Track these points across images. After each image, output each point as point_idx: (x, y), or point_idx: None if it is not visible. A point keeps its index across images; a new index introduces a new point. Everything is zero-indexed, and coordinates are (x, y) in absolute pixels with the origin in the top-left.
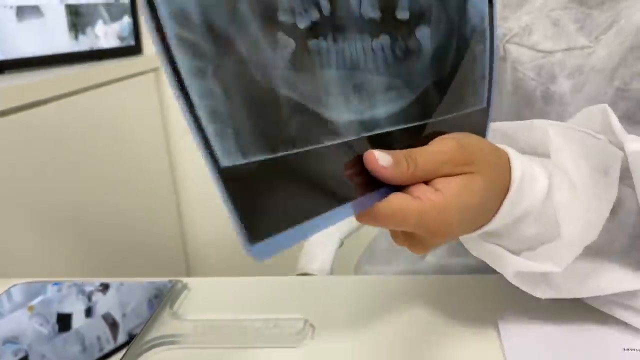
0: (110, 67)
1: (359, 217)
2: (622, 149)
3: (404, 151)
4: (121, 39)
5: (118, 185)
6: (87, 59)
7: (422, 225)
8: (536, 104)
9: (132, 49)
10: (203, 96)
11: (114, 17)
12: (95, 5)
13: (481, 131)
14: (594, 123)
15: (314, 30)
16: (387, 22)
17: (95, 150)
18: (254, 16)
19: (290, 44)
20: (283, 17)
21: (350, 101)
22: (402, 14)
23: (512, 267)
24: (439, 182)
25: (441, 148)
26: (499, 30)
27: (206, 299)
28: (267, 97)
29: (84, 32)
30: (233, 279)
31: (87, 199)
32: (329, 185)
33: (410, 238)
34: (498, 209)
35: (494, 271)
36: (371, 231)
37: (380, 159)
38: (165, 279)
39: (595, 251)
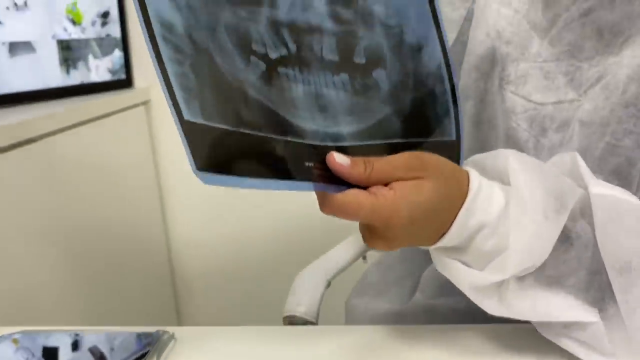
0: (100, 101)
1: (321, 205)
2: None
3: (364, 157)
4: (112, 72)
5: (108, 222)
6: (78, 93)
7: (375, 215)
8: (528, 154)
9: (123, 83)
10: (178, 77)
11: (105, 52)
12: (87, 40)
13: (453, 162)
14: (563, 168)
15: (283, 61)
16: (345, 64)
17: (85, 189)
18: (230, 41)
19: (261, 66)
20: (256, 47)
21: (315, 117)
22: (359, 59)
23: (465, 278)
24: (394, 183)
25: (397, 156)
26: (502, 73)
27: (193, 349)
28: (236, 93)
29: (75, 67)
30: (220, 328)
31: (78, 239)
32: (290, 164)
33: (371, 231)
34: (455, 218)
35: (480, 318)
36: (360, 268)
37: (338, 158)
38: (153, 329)
39: (553, 281)
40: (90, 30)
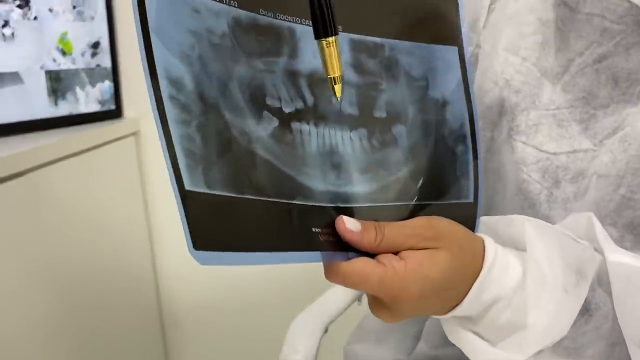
0: (89, 133)
1: (326, 273)
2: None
3: (375, 222)
4: (101, 103)
5: (95, 257)
6: (66, 123)
7: (382, 289)
8: (540, 208)
9: (112, 113)
10: (183, 139)
11: (95, 82)
12: (76, 71)
13: (469, 225)
14: (579, 230)
15: (298, 115)
16: (365, 118)
17: (72, 223)
18: (242, 96)
19: (274, 121)
20: (270, 101)
21: (327, 175)
22: (379, 113)
23: (480, 354)
24: (405, 253)
25: (410, 223)
26: (511, 123)
27: None
28: (243, 154)
29: (64, 98)
30: None
31: (64, 275)
32: (296, 232)
33: (377, 301)
34: (468, 290)
35: None
36: (358, 312)
37: (348, 223)
38: None
39: (571, 352)
40: (80, 61)
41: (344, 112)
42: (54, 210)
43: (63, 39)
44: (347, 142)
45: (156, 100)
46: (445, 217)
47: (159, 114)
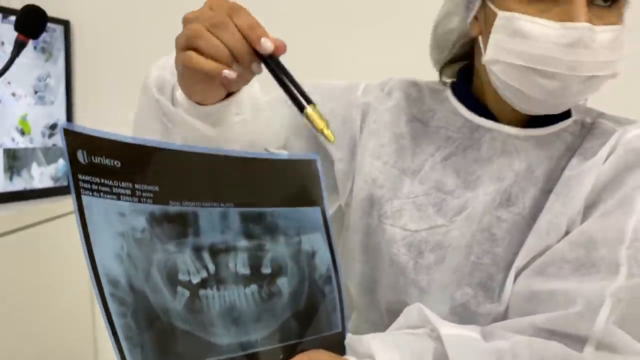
0: (42, 207)
1: None
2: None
3: None
4: (55, 179)
5: (37, 332)
6: (21, 198)
7: None
8: (409, 274)
9: (65, 189)
10: (123, 328)
11: (50, 160)
12: (33, 150)
13: (339, 349)
14: (412, 319)
15: (203, 283)
16: (255, 275)
17: (17, 296)
18: (161, 277)
19: (186, 293)
20: (182, 276)
21: (229, 329)
22: (266, 270)
23: None
24: None
25: (295, 357)
26: (379, 211)
27: None
28: (166, 329)
29: (19, 174)
30: None
31: (10, 346)
32: None
33: None
34: None
35: None
36: None
37: None
38: None
39: None
40: (38, 140)
41: (239, 273)
42: (3, 279)
43: (24, 119)
44: (243, 298)
45: (101, 300)
46: (322, 347)
47: (105, 310)
